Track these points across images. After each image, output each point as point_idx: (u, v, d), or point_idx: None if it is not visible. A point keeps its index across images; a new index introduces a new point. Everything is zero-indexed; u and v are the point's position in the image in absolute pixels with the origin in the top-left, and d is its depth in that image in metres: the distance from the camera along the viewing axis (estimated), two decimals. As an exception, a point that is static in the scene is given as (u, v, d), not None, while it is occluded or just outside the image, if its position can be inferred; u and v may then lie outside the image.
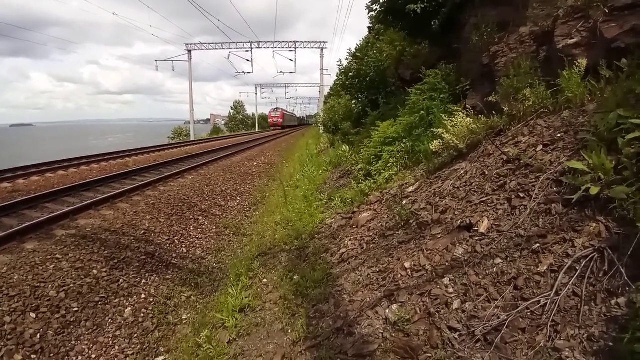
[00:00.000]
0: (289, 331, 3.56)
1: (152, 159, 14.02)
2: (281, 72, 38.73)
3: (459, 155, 4.84)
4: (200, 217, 8.32)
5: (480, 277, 2.66)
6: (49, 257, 5.00)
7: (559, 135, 3.32)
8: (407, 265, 3.37)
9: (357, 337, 2.89)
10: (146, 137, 63.61)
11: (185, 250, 6.81)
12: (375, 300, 3.19)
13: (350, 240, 4.84)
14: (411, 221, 4.10)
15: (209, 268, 6.41)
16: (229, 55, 32.64)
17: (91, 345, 4.11)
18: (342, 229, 5.51)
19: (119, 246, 5.84)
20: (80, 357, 3.96)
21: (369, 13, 9.03)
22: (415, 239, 3.74)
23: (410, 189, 5.08)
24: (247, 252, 6.60)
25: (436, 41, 8.11)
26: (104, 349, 4.14)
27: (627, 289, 1.94)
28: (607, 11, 3.61)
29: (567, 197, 2.64)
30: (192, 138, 33.07)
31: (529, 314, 2.21)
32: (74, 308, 4.39)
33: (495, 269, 2.64)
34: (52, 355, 3.82)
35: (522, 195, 3.04)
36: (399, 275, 3.33)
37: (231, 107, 75.71)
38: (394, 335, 2.71)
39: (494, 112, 4.55)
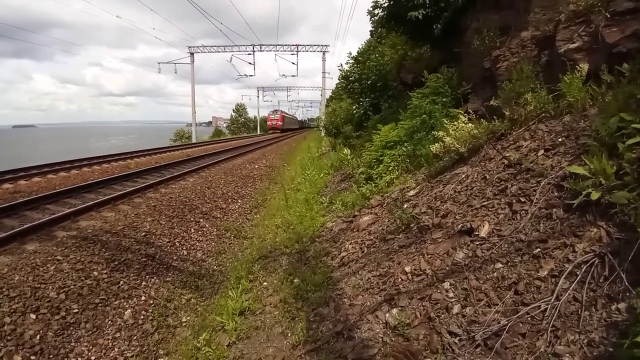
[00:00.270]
0: (289, 334, 3.55)
1: (153, 161, 14.05)
2: (283, 75, 39.17)
3: (460, 159, 4.85)
4: (201, 220, 8.32)
5: (481, 281, 2.66)
6: (50, 258, 5.01)
7: (560, 139, 3.32)
8: (407, 269, 3.36)
9: (357, 341, 2.88)
10: (148, 139, 63.75)
11: (185, 253, 6.81)
12: (375, 304, 3.18)
13: (350, 243, 4.83)
14: (412, 225, 4.10)
15: (209, 271, 6.41)
16: (232, 58, 32.76)
17: (91, 347, 4.11)
18: (342, 232, 5.51)
19: (120, 248, 5.85)
20: (79, 359, 3.96)
21: (370, 18, 9.06)
22: (416, 243, 3.73)
23: (411, 192, 5.08)
24: (248, 255, 6.59)
25: (438, 45, 8.13)
26: (104, 351, 4.14)
27: (628, 294, 1.94)
28: (608, 16, 3.62)
29: (568, 201, 2.64)
30: (193, 140, 33.14)
31: (529, 319, 2.20)
32: (74, 309, 4.39)
33: (495, 273, 2.63)
34: (51, 356, 3.82)
35: (523, 200, 3.04)
36: (400, 279, 3.32)
37: (233, 110, 75.97)
38: (393, 339, 2.70)
39: (495, 116, 4.56)
